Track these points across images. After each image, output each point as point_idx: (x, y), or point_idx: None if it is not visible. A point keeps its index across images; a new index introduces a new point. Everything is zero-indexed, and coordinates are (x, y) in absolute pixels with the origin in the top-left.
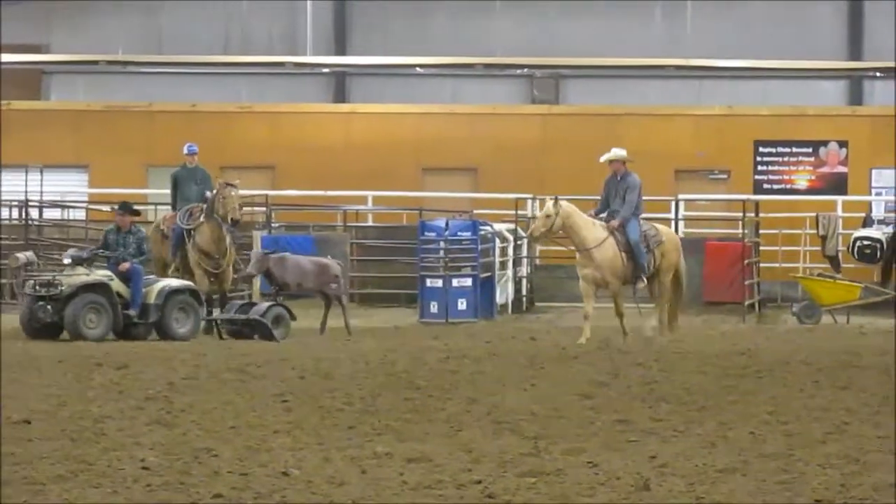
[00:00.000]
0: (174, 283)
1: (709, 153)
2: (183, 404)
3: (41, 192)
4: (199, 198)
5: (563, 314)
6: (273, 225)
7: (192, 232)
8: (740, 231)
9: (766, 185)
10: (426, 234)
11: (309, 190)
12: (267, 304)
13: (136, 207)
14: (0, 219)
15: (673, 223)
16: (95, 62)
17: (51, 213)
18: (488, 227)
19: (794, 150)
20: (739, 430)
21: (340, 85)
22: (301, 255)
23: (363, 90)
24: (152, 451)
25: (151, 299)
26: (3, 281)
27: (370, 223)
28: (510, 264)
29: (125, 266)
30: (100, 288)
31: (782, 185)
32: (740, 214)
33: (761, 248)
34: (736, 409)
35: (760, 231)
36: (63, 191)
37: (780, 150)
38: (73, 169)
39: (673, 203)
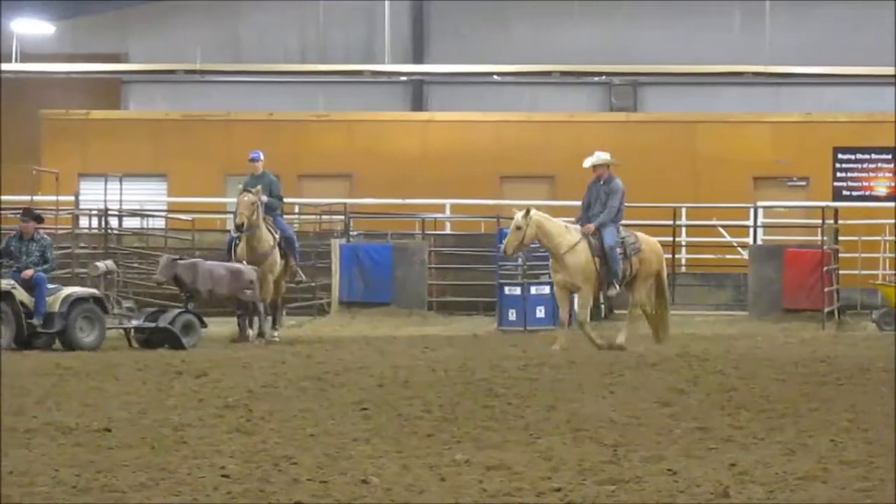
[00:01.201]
0: (78, 291)
1: (787, 160)
2: (262, 412)
3: (120, 201)
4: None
5: (642, 322)
6: (351, 233)
7: (237, 241)
8: (819, 238)
9: (845, 192)
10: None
11: (386, 198)
12: (176, 311)
13: (39, 213)
14: (80, 227)
15: (751, 230)
16: (173, 71)
17: (130, 222)
18: None
19: (874, 156)
20: (819, 437)
21: (418, 93)
22: (214, 261)
23: (440, 98)
24: (232, 458)
25: (55, 308)
26: None
27: (448, 231)
28: None
29: (28, 274)
30: (2, 296)
31: (861, 192)
32: (819, 221)
33: (840, 255)
34: (816, 416)
35: (840, 238)
36: (142, 199)
37: (860, 156)
38: (152, 178)
39: (751, 210)
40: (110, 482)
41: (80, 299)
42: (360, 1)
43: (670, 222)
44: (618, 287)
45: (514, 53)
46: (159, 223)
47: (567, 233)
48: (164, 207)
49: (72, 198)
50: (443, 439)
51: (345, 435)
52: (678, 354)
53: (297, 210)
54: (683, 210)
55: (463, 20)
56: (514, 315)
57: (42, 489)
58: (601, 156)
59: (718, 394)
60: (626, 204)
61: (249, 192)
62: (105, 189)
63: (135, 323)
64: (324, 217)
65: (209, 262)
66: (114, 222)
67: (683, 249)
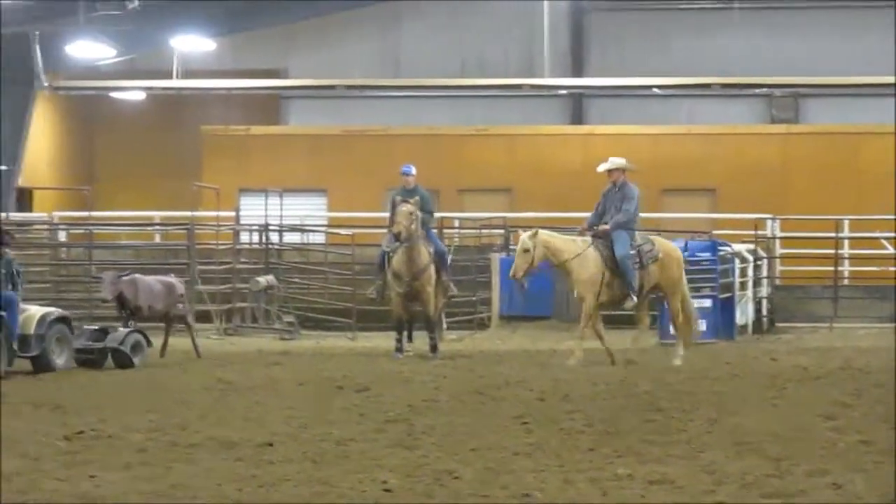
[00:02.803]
0: (52, 311)
1: None
2: (424, 426)
3: (281, 216)
4: None
5: (804, 334)
6: (511, 247)
7: (391, 254)
8: None
9: None
10: None
11: (546, 212)
12: (125, 330)
13: (5, 230)
14: (240, 243)
15: None
16: (333, 86)
17: (290, 237)
18: (728, 248)
19: None
20: None
21: (577, 106)
22: (148, 276)
23: (600, 111)
24: (393, 473)
25: (31, 329)
26: (245, 304)
27: None
28: (750, 285)
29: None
30: None
31: None
32: None
33: None
34: None
35: None
36: (302, 214)
37: None
38: (312, 193)
39: None
40: (272, 497)
41: (56, 320)
42: (520, 14)
43: (833, 234)
44: (634, 298)
45: (674, 65)
46: (319, 238)
47: (574, 244)
48: (325, 222)
49: (232, 213)
50: (604, 453)
51: (506, 449)
52: (841, 367)
53: (457, 224)
54: (846, 222)
55: (622, 33)
56: (675, 329)
57: (205, 503)
58: (616, 161)
59: (883, 406)
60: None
61: (407, 202)
62: (265, 204)
63: (79, 344)
64: (484, 231)
65: (146, 278)
66: (274, 237)
67: (846, 262)
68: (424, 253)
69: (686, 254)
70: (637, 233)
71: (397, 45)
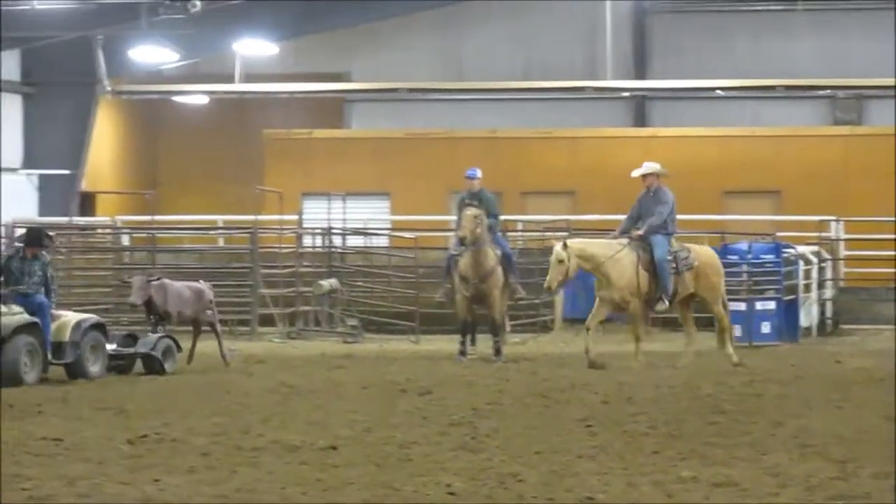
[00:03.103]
0: (88, 318)
1: None
2: (487, 429)
3: (344, 220)
4: None
5: (868, 336)
6: None
7: (457, 257)
8: None
9: None
10: (729, 257)
11: (610, 214)
12: (156, 336)
13: (46, 233)
14: (303, 246)
15: None
16: (396, 90)
17: (354, 241)
18: (792, 250)
19: None
20: None
21: (640, 109)
22: (178, 281)
23: (663, 113)
24: (458, 476)
25: (65, 337)
26: (308, 308)
27: None
28: (814, 287)
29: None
30: (29, 328)
31: None
32: None
33: None
34: None
35: None
36: (365, 218)
37: None
38: (375, 196)
39: None
40: (337, 500)
41: (91, 327)
42: (583, 16)
43: None
44: (667, 302)
45: (737, 67)
46: (382, 241)
47: (609, 248)
48: (388, 225)
49: (295, 217)
50: (668, 456)
51: (570, 452)
52: None
53: (520, 227)
54: None
55: (685, 35)
56: (739, 330)
57: None
58: (650, 165)
59: None
60: (856, 217)
61: (473, 205)
62: (328, 207)
63: (111, 349)
64: (547, 234)
65: (175, 283)
66: (337, 241)
67: None
68: (491, 256)
69: (750, 256)
70: (674, 238)
71: (460, 47)
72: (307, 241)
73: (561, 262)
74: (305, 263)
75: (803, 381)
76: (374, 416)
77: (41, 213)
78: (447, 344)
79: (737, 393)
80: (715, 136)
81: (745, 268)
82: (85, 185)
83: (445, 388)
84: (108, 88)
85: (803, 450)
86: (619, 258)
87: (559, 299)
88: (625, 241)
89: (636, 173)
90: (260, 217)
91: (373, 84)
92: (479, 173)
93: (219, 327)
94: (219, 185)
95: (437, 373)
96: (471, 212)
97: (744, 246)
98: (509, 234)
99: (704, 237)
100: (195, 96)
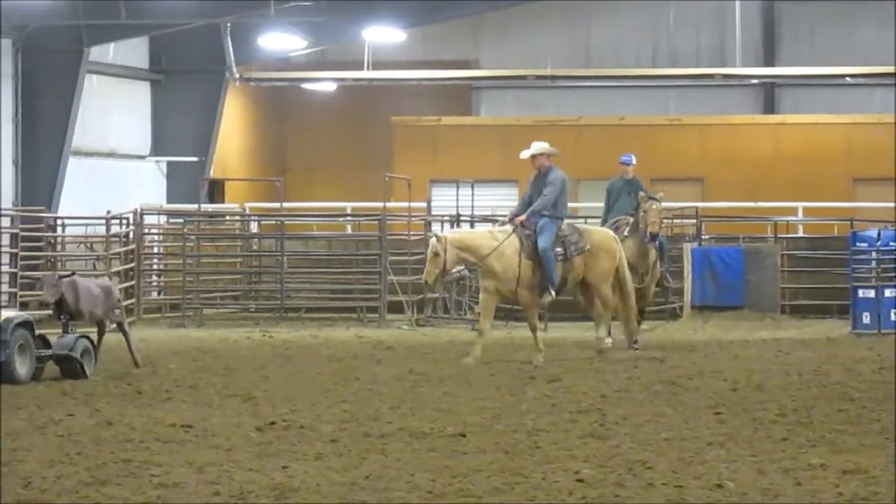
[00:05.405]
0: (17, 315)
1: None
2: (616, 417)
3: (472, 207)
4: (634, 209)
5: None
6: (703, 237)
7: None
8: None
9: None
10: (858, 244)
11: (738, 201)
12: (73, 336)
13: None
14: (432, 233)
15: None
16: (524, 77)
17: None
18: None
19: None
20: None
21: (769, 96)
22: (85, 278)
23: (792, 100)
24: (586, 463)
25: None
26: (437, 295)
27: (801, 234)
28: None
29: None
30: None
31: None
32: None
33: None
34: None
35: None
36: (493, 205)
37: None
38: (503, 183)
39: None
40: (466, 487)
41: (20, 325)
42: (711, 3)
43: None
44: (553, 293)
45: (866, 54)
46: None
47: (491, 238)
48: None
49: (424, 204)
50: (798, 443)
51: (699, 439)
52: None
53: None
54: None
55: (814, 21)
56: (868, 318)
57: (398, 494)
58: (539, 145)
59: None
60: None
61: (655, 199)
62: (457, 195)
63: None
64: (675, 221)
65: (84, 280)
66: (466, 228)
67: None
68: (654, 249)
69: (879, 243)
70: (565, 222)
71: (587, 34)
72: (436, 227)
73: (437, 255)
74: None
75: None
76: (503, 404)
77: (169, 200)
78: (575, 331)
79: (866, 380)
80: (843, 124)
81: (874, 255)
82: (213, 173)
83: (574, 375)
84: (237, 76)
85: None
86: (501, 249)
87: (688, 286)
88: (509, 228)
89: (525, 154)
90: (388, 204)
91: (500, 71)
92: (633, 160)
93: (126, 326)
94: (347, 172)
95: (565, 360)
96: (657, 206)
97: (873, 233)
98: None
99: (834, 224)
100: (324, 83)
